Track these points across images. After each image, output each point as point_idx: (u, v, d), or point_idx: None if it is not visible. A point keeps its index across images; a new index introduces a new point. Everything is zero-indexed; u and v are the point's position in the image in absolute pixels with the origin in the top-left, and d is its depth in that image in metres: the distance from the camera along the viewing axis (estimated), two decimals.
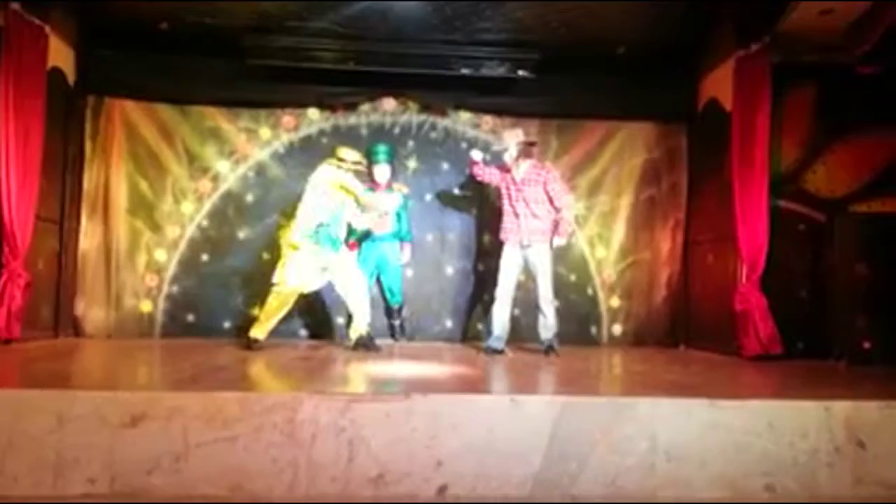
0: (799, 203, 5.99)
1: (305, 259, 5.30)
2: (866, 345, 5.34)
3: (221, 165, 6.61)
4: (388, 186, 6.51)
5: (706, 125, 6.50)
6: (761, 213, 5.48)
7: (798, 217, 5.98)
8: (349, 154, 5.56)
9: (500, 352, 5.46)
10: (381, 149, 6.49)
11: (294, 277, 5.28)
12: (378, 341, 6.32)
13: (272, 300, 5.32)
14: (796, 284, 5.91)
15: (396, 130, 6.80)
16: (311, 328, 6.56)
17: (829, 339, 5.60)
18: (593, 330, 6.79)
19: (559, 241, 5.51)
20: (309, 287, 5.43)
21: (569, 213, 5.52)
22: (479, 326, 6.63)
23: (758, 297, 5.45)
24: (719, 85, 6.18)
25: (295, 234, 5.31)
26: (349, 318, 5.68)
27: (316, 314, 6.47)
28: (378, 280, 6.59)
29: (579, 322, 6.73)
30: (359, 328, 5.49)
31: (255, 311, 5.48)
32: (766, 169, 5.50)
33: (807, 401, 3.24)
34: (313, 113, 6.72)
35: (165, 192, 6.55)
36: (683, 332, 6.72)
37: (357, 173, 5.54)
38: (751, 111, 5.55)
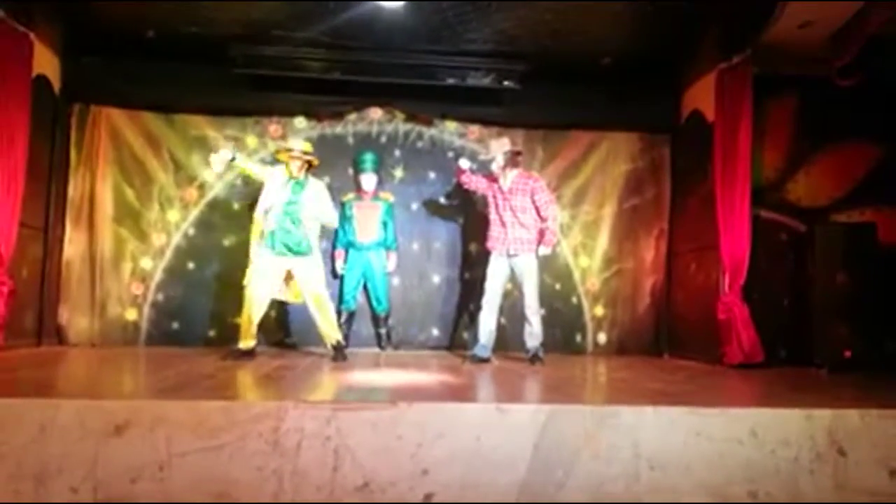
0: (780, 213, 6.08)
1: (268, 262, 5.21)
2: (847, 353, 5.40)
3: (207, 174, 6.60)
4: (375, 195, 6.55)
5: (689, 136, 6.57)
6: (743, 223, 5.54)
7: (780, 227, 6.06)
8: (296, 143, 5.42)
9: (486, 360, 5.48)
10: (368, 157, 6.53)
11: (256, 283, 5.19)
12: (364, 350, 6.35)
13: (244, 307, 5.23)
14: (778, 293, 5.98)
15: (383, 139, 6.82)
16: (297, 336, 6.54)
17: (810, 347, 5.67)
18: (578, 338, 6.82)
19: (544, 251, 5.54)
20: (273, 294, 5.29)
21: (554, 223, 5.56)
22: (466, 335, 6.65)
23: (740, 306, 5.51)
24: (702, 96, 6.25)
25: (254, 237, 5.30)
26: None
27: (300, 322, 6.44)
28: (364, 288, 6.60)
29: (564, 330, 6.77)
30: (331, 336, 5.37)
31: (239, 320, 5.42)
32: (748, 179, 5.56)
33: (789, 409, 3.26)
34: (300, 122, 6.74)
35: (151, 200, 6.54)
36: (667, 341, 6.77)
37: (307, 164, 5.35)
38: (733, 122, 5.62)
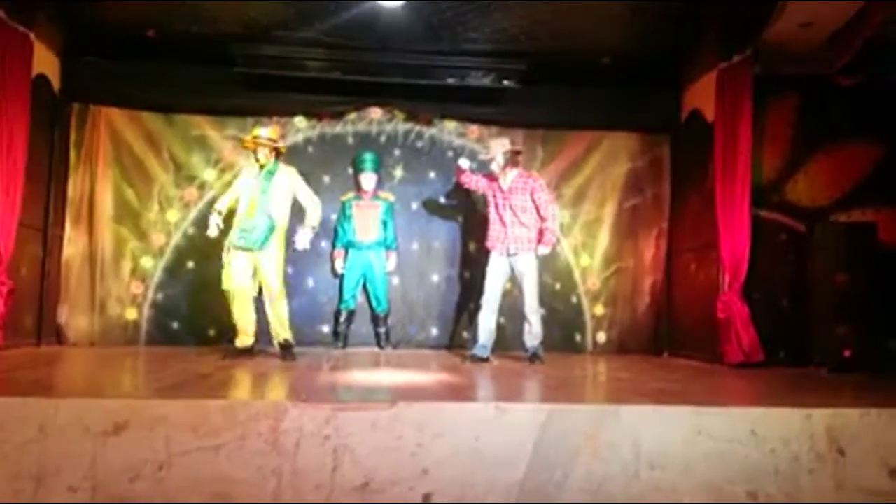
0: (780, 213, 6.07)
1: (240, 258, 5.13)
2: (846, 353, 5.39)
3: (207, 173, 6.61)
4: (374, 194, 6.55)
5: (689, 136, 6.57)
6: (743, 223, 5.54)
7: (779, 226, 6.05)
8: (262, 130, 5.34)
9: (486, 359, 5.47)
10: (368, 157, 6.53)
11: (231, 277, 5.12)
12: (364, 349, 6.35)
13: (231, 306, 5.18)
14: (778, 293, 5.97)
15: (383, 139, 6.82)
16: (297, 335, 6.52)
17: (810, 347, 5.67)
18: (578, 338, 6.82)
19: (543, 251, 5.53)
20: (246, 288, 5.17)
21: (554, 223, 5.56)
22: (465, 334, 6.64)
23: (740, 306, 5.50)
24: (702, 96, 6.25)
25: (229, 237, 5.20)
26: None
27: (300, 321, 6.42)
28: (364, 288, 6.60)
29: (564, 330, 6.76)
30: (279, 333, 5.27)
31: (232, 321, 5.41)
32: (747, 179, 5.56)
33: (788, 408, 3.26)
34: (300, 121, 6.74)
35: (151, 199, 6.54)
36: (667, 340, 6.77)
37: (276, 151, 5.28)
38: (733, 122, 5.62)
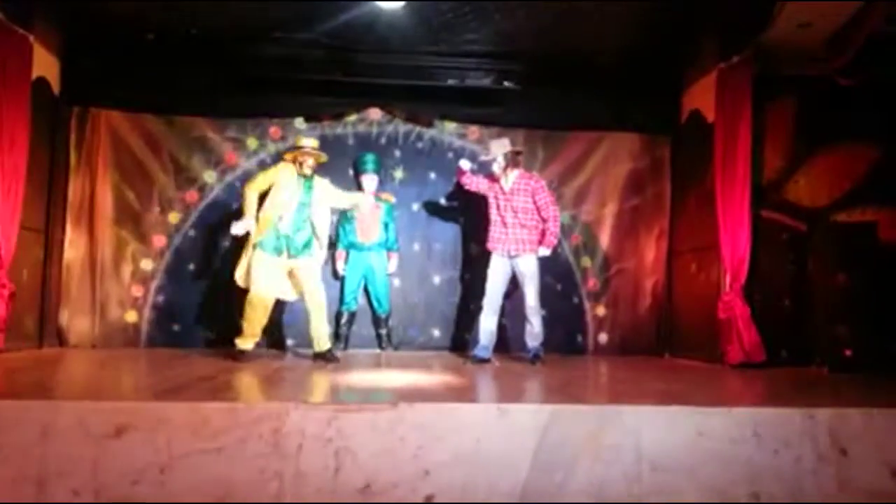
0: (781, 213, 6.07)
1: (271, 263, 5.16)
2: (848, 353, 5.39)
3: (208, 175, 6.60)
4: (376, 196, 6.54)
5: (689, 136, 6.57)
6: (744, 223, 5.54)
7: (780, 226, 6.05)
8: (306, 141, 5.41)
9: (487, 361, 5.47)
10: (369, 158, 6.53)
11: (263, 284, 5.13)
12: (365, 351, 6.35)
13: (248, 309, 5.18)
14: (779, 293, 5.97)
15: (383, 140, 6.82)
16: (297, 338, 6.52)
17: (811, 346, 5.67)
18: (579, 338, 6.81)
19: (544, 252, 5.54)
20: (281, 294, 5.27)
21: (555, 224, 5.56)
22: (466, 335, 6.64)
23: (741, 306, 5.50)
24: (702, 96, 6.25)
25: (258, 237, 5.17)
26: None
27: (301, 324, 6.42)
28: (365, 289, 6.60)
29: (565, 331, 6.75)
30: (322, 342, 5.29)
31: (241, 321, 5.41)
32: (748, 179, 5.56)
33: (790, 408, 3.26)
34: (300, 123, 6.73)
35: (151, 201, 6.52)
36: (668, 341, 6.77)
37: (315, 159, 5.33)
38: (733, 122, 5.62)
